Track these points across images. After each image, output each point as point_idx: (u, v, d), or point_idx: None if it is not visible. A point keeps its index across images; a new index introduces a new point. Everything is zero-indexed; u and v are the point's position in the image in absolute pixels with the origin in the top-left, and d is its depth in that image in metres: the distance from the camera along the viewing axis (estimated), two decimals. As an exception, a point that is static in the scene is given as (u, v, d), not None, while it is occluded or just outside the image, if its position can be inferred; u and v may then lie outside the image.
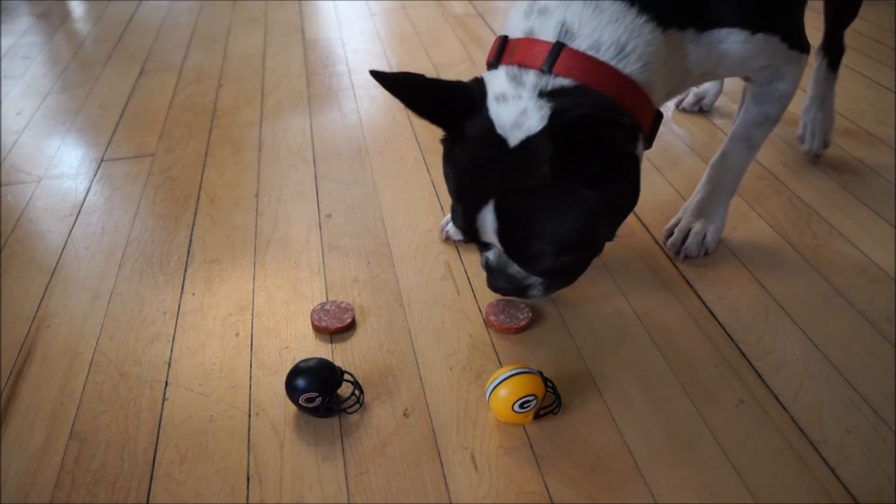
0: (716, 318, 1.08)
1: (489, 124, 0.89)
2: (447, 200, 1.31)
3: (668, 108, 1.70)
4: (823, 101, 1.47)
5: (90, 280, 1.23)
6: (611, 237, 1.01)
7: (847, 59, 1.90)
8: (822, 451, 0.87)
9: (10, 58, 2.29)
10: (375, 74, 0.89)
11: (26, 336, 1.12)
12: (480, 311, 1.11)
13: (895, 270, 1.15)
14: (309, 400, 0.92)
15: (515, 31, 0.94)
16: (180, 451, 0.91)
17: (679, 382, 0.97)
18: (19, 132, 1.79)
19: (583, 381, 0.98)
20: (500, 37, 0.95)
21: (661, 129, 1.59)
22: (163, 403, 0.98)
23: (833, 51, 1.46)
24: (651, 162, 1.49)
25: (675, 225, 1.22)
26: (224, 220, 1.37)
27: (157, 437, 0.93)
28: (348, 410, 0.94)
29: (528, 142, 0.87)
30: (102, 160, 1.63)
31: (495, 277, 1.02)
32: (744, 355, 1.01)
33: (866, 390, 0.94)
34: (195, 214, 1.40)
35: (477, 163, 0.92)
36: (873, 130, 1.56)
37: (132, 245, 1.32)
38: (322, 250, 1.27)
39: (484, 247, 1.00)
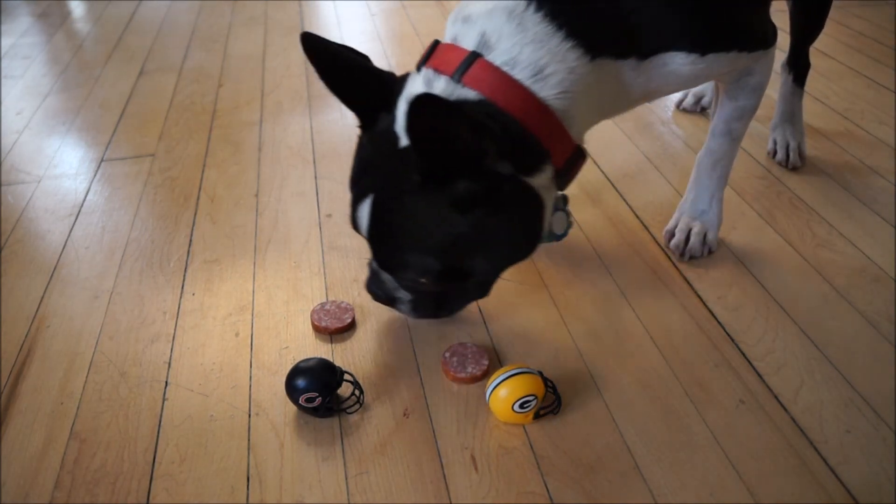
0: (716, 318, 1.08)
1: (393, 122, 0.87)
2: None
3: (667, 108, 1.70)
4: (792, 116, 1.46)
5: (90, 280, 1.23)
6: (489, 278, 0.96)
7: (847, 59, 1.91)
8: (822, 451, 0.87)
9: (10, 58, 2.29)
10: (306, 37, 0.86)
11: (26, 336, 1.12)
12: (480, 311, 1.11)
13: (895, 270, 1.15)
14: (309, 400, 0.92)
15: (446, 36, 0.92)
16: (180, 451, 0.91)
17: (679, 382, 0.97)
18: (19, 132, 1.79)
19: (583, 381, 0.98)
20: (434, 40, 0.92)
21: (661, 129, 1.61)
22: (163, 403, 0.98)
23: (799, 66, 1.45)
24: (651, 162, 1.49)
25: (675, 227, 1.22)
26: (224, 220, 1.38)
27: (157, 437, 0.93)
28: (348, 410, 0.94)
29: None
30: (102, 160, 1.63)
31: (371, 280, 1.00)
32: (744, 355, 1.01)
33: (866, 390, 0.94)
34: (195, 214, 1.40)
35: (370, 156, 0.91)
36: (873, 130, 1.56)
37: (132, 245, 1.32)
38: (322, 250, 1.27)
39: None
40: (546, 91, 0.85)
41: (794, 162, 1.43)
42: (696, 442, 0.89)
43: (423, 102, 0.72)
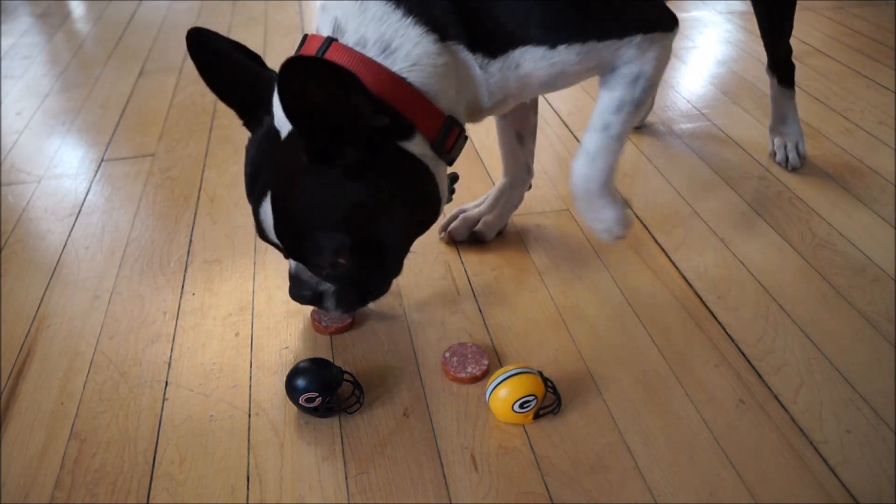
0: (716, 318, 1.08)
1: (272, 119, 0.89)
2: (447, 200, 1.31)
3: (668, 109, 1.70)
4: (785, 118, 1.46)
5: (90, 280, 1.23)
6: (399, 248, 0.97)
7: (847, 59, 1.91)
8: (822, 451, 0.87)
9: (10, 58, 2.29)
10: (192, 33, 0.89)
11: (26, 336, 1.12)
12: (480, 311, 1.11)
13: (895, 270, 1.15)
14: (309, 400, 0.92)
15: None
16: (180, 451, 0.91)
17: (679, 382, 0.97)
18: (19, 132, 1.79)
19: (583, 381, 0.98)
20: (304, 34, 0.94)
21: (661, 129, 1.61)
22: (163, 403, 0.98)
23: (780, 68, 1.43)
24: (651, 162, 1.49)
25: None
26: (224, 220, 1.38)
27: (157, 437, 0.93)
28: (348, 410, 0.94)
29: (294, 132, 0.86)
30: (102, 160, 1.63)
31: (294, 284, 0.99)
32: (744, 355, 1.01)
33: (866, 390, 0.94)
34: (195, 214, 1.40)
35: (257, 158, 0.93)
36: (873, 130, 1.56)
37: (132, 245, 1.32)
38: (322, 250, 1.27)
39: (285, 253, 0.97)
40: (398, 65, 0.87)
41: (794, 162, 1.43)
42: (696, 442, 0.89)
43: (287, 66, 0.73)
